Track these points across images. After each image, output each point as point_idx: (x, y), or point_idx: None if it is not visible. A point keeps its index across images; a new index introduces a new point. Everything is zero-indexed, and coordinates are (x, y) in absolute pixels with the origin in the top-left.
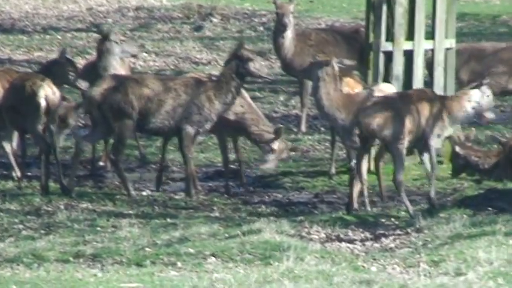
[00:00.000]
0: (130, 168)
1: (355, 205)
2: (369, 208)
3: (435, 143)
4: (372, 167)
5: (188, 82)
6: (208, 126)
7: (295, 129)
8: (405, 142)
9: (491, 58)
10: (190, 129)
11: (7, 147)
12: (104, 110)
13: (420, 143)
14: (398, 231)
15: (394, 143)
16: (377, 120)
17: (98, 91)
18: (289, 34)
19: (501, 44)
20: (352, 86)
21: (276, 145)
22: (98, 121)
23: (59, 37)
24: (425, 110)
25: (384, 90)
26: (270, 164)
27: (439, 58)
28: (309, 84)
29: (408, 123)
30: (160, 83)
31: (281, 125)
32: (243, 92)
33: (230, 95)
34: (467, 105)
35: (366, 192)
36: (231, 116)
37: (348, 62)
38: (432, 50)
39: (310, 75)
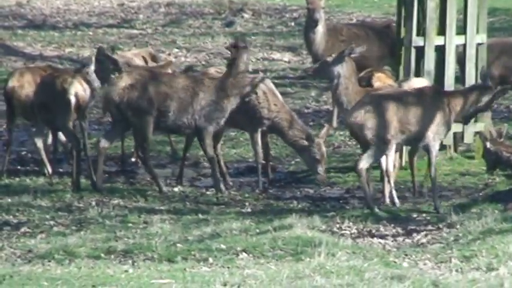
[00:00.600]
0: (161, 164)
1: (387, 200)
2: (398, 204)
3: (436, 142)
4: (404, 163)
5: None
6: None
7: (326, 125)
8: (391, 142)
9: None
10: (210, 128)
11: (39, 143)
12: (123, 107)
13: (418, 143)
14: (429, 227)
15: (378, 143)
16: (359, 120)
17: (115, 89)
18: (320, 29)
19: None
20: (384, 81)
21: (318, 155)
22: (116, 119)
23: (90, 33)
24: (422, 108)
25: (416, 86)
26: (322, 174)
27: (471, 53)
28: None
29: (396, 123)
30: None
31: (310, 131)
32: (276, 91)
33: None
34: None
35: (388, 188)
36: (265, 115)
37: (359, 49)
38: (463, 45)
39: (325, 74)
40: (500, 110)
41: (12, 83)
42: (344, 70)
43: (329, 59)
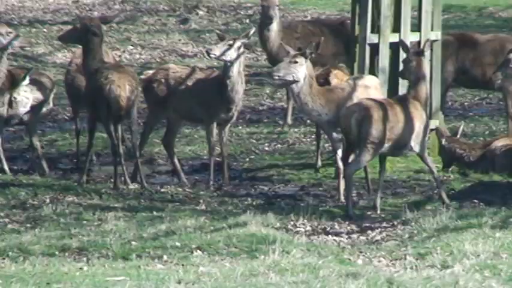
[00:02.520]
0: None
1: (342, 198)
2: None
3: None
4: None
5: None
6: None
7: (281, 122)
8: (377, 147)
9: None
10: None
11: None
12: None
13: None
14: (384, 224)
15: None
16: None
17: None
18: (274, 27)
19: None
20: (341, 78)
21: None
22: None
23: (45, 30)
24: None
25: (368, 84)
26: None
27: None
28: None
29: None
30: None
31: None
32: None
33: None
34: None
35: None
36: None
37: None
38: (418, 42)
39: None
40: (455, 108)
41: None
42: (308, 69)
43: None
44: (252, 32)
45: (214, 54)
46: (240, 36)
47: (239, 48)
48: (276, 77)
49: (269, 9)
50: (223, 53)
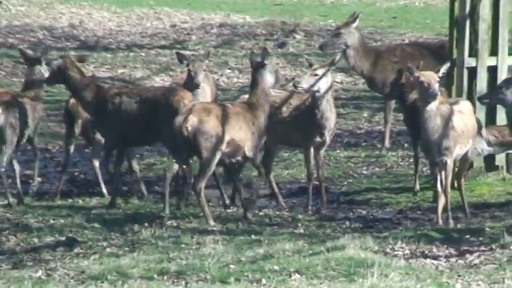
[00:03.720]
0: (213, 185)
1: (440, 221)
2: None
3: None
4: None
5: None
6: None
7: (378, 146)
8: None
9: None
10: None
11: (96, 163)
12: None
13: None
14: (482, 248)
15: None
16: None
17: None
18: (351, 52)
19: None
20: (439, 101)
21: None
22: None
23: (143, 54)
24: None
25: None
26: None
27: None
28: (392, 100)
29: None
30: None
31: None
32: None
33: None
34: None
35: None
36: None
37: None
38: None
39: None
40: None
41: (74, 100)
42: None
43: None
44: (337, 58)
45: (302, 87)
46: (325, 63)
47: (326, 76)
48: (300, 89)
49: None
50: (311, 86)
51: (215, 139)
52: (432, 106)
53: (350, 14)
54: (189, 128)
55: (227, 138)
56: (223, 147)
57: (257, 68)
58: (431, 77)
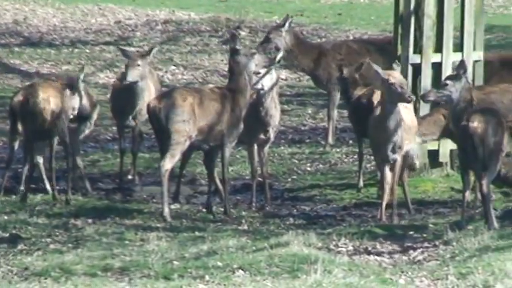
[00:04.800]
0: (158, 182)
1: (383, 217)
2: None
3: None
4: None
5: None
6: None
7: (323, 142)
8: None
9: None
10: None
11: (40, 160)
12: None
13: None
14: (426, 244)
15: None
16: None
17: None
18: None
19: None
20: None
21: None
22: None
23: (87, 50)
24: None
25: None
26: None
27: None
28: (337, 96)
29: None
30: None
31: None
32: None
33: None
34: None
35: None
36: None
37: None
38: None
39: None
40: None
41: (18, 98)
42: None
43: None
44: (279, 56)
45: None
46: (268, 61)
47: (270, 74)
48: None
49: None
50: (255, 84)
51: (188, 124)
52: (398, 106)
53: (283, 18)
54: (162, 110)
55: (202, 123)
56: (197, 133)
57: (231, 54)
58: (403, 80)
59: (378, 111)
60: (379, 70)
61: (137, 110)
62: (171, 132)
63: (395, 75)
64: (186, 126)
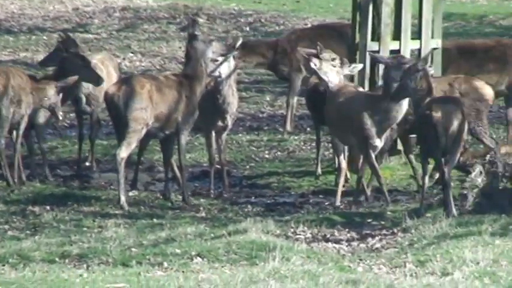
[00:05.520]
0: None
1: (338, 203)
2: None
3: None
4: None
5: None
6: None
7: (281, 129)
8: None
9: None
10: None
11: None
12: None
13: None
14: (384, 232)
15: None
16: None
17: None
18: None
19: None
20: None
21: None
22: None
23: (45, 37)
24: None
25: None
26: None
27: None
28: (298, 84)
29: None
30: None
31: None
32: None
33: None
34: None
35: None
36: None
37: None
38: (419, 50)
39: None
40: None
41: None
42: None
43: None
44: (238, 43)
45: None
46: (226, 48)
47: (228, 61)
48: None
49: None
50: (213, 70)
51: (145, 111)
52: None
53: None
54: (121, 97)
55: (158, 111)
56: (153, 120)
57: (189, 39)
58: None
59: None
60: (305, 55)
61: (85, 92)
62: (128, 119)
63: (325, 57)
64: (143, 113)
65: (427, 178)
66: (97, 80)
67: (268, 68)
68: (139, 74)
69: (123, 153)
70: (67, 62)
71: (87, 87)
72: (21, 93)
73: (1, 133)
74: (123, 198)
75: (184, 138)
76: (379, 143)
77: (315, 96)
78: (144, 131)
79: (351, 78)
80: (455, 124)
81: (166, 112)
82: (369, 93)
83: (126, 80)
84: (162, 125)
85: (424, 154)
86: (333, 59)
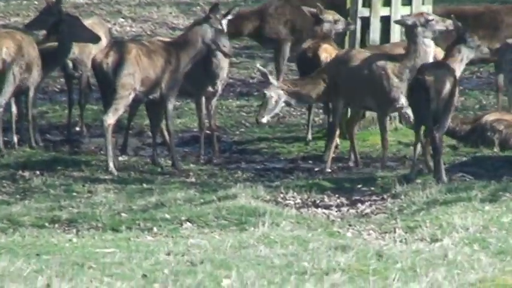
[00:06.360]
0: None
1: (328, 169)
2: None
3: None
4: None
5: None
6: None
7: None
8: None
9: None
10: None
11: None
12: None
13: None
14: (374, 197)
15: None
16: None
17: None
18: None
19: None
20: (330, 52)
21: None
22: None
23: (36, 2)
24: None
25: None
26: None
27: None
28: (286, 49)
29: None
30: None
31: None
32: None
33: None
34: None
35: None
36: None
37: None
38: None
39: None
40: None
41: None
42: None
43: None
44: (234, 11)
45: None
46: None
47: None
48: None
49: None
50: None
51: (133, 77)
52: None
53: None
54: (109, 64)
55: (143, 76)
56: (139, 85)
57: (202, 19)
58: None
59: None
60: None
61: (71, 58)
62: (116, 86)
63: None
64: (131, 79)
65: (419, 145)
66: (95, 38)
67: (254, 38)
68: (129, 40)
69: (110, 119)
70: (64, 25)
71: (72, 52)
72: (32, 61)
73: (3, 96)
74: (111, 164)
75: (171, 104)
76: (404, 101)
77: (305, 62)
78: (131, 97)
79: (341, 42)
80: (447, 88)
81: (152, 77)
82: (391, 54)
83: (113, 46)
84: (146, 89)
85: (417, 121)
86: (336, 21)
